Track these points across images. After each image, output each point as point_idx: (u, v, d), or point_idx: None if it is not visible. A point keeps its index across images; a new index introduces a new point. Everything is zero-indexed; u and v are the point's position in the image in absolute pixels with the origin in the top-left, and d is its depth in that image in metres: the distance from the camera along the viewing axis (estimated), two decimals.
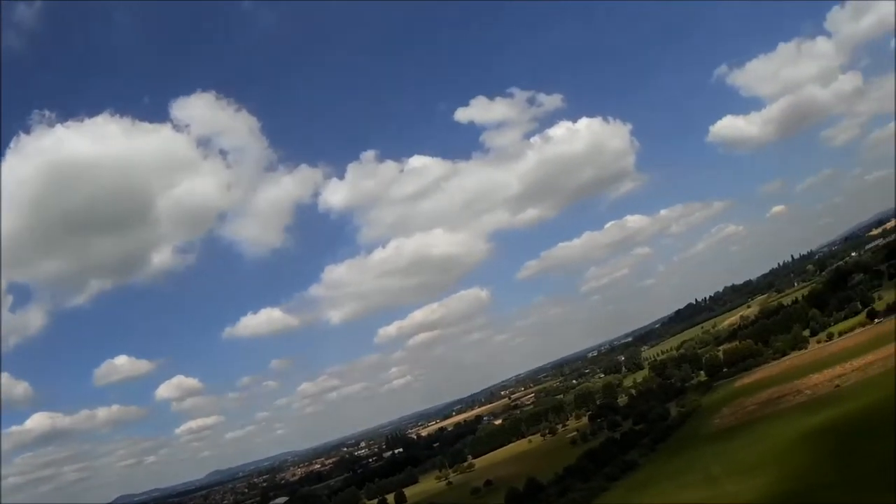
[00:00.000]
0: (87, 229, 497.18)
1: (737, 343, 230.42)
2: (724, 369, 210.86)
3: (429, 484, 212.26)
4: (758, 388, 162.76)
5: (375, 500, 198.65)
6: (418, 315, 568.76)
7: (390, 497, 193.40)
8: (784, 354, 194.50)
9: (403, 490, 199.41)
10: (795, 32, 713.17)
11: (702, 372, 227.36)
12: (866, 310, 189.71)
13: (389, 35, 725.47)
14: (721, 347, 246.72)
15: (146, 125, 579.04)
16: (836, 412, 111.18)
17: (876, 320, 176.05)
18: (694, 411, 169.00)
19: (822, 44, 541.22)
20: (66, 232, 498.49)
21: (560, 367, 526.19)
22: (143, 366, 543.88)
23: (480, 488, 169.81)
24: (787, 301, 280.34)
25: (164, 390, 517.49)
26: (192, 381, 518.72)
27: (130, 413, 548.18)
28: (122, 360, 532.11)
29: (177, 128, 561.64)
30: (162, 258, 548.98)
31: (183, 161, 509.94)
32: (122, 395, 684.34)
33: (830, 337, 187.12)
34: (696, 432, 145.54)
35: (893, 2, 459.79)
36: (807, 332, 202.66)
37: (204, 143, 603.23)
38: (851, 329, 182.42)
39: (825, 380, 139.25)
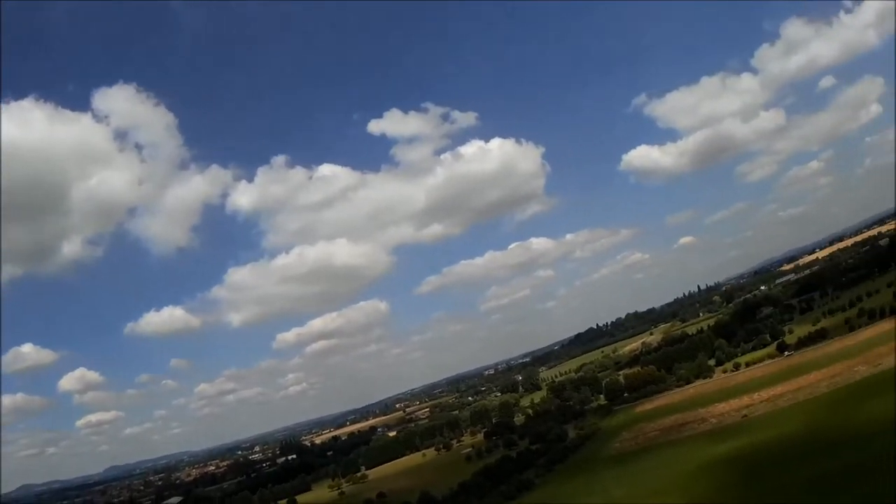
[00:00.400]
0: (3, 214, 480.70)
1: (638, 369, 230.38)
2: (625, 394, 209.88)
3: (322, 493, 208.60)
4: (660, 414, 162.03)
5: None
6: (317, 323, 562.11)
7: None
8: (688, 382, 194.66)
9: (296, 497, 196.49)
10: (721, 67, 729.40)
11: (601, 396, 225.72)
12: (776, 342, 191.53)
13: (310, 42, 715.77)
14: (622, 372, 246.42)
15: (68, 113, 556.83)
16: (743, 441, 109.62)
17: (786, 353, 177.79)
18: (593, 434, 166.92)
19: (747, 80, 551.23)
20: None
21: (456, 384, 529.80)
22: (47, 356, 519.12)
23: (373, 500, 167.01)
24: (691, 330, 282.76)
25: (67, 382, 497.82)
26: (93, 375, 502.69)
27: (34, 403, 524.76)
28: (28, 349, 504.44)
29: (97, 118, 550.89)
30: (72, 249, 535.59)
31: (100, 153, 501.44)
32: (26, 384, 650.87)
33: (737, 367, 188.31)
34: (595, 455, 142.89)
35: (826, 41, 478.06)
36: (712, 362, 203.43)
37: (121, 136, 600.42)
38: (760, 360, 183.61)
39: (732, 409, 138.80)
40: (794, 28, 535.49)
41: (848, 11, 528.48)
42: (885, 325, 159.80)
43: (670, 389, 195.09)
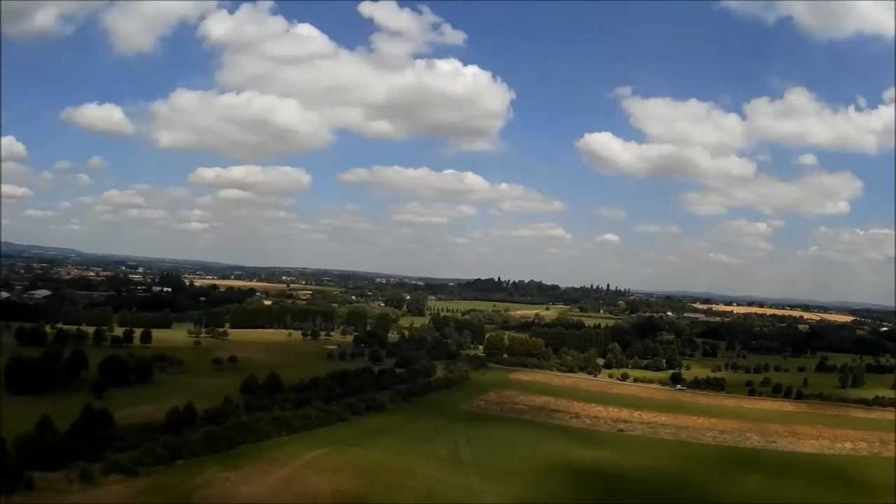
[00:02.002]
0: None
1: (526, 337, 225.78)
2: (505, 355, 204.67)
3: (179, 335, 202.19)
4: (533, 391, 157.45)
5: (122, 331, 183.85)
6: (239, 171, 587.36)
7: (138, 332, 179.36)
8: (571, 371, 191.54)
9: (151, 331, 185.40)
10: (713, 97, 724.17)
11: (481, 347, 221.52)
12: (672, 372, 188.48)
13: None
14: (508, 333, 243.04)
15: None
16: (613, 456, 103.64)
17: (678, 386, 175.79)
18: (460, 381, 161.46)
19: (732, 120, 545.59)
20: None
21: (346, 280, 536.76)
22: None
23: (223, 361, 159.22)
24: (589, 322, 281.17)
25: None
26: (19, 147, 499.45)
27: None
28: None
29: None
30: (45, 19, 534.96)
31: None
32: None
33: (625, 377, 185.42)
34: (455, 404, 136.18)
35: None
36: (601, 361, 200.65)
37: None
38: (650, 381, 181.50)
39: (609, 417, 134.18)
40: (799, 97, 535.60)
41: (859, 109, 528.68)
42: (785, 405, 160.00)
43: (552, 370, 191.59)
